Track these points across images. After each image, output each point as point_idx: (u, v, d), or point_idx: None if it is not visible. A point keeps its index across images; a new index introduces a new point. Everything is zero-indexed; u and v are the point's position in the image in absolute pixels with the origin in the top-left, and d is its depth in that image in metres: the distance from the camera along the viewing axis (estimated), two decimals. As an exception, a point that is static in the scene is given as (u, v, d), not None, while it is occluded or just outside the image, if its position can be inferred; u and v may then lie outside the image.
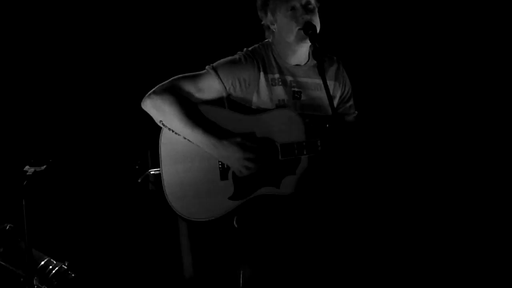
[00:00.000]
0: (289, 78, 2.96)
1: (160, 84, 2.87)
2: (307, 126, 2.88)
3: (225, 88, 2.89)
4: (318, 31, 2.86)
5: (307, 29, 2.82)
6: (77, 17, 4.29)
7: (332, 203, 2.93)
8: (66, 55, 4.28)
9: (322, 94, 2.95)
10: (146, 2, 4.37)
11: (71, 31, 4.25)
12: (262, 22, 3.02)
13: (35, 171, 3.10)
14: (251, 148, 2.82)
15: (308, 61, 3.01)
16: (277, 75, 2.94)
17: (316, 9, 2.92)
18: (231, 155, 2.81)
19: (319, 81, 2.90)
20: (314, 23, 2.84)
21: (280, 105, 2.91)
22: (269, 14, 2.96)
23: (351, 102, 3.15)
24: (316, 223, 2.88)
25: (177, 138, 2.86)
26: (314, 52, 2.84)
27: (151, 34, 4.36)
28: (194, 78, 2.89)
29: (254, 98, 2.91)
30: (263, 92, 2.91)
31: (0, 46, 4.16)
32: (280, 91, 2.93)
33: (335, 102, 3.08)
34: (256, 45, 3.01)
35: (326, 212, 2.91)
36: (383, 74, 4.20)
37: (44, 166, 3.10)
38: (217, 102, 2.94)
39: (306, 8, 2.87)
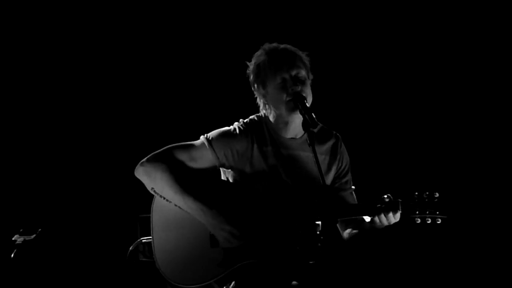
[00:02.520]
0: (282, 151, 2.97)
1: (154, 152, 2.91)
2: (298, 200, 2.88)
3: (218, 158, 2.92)
4: (309, 102, 2.89)
5: (296, 100, 2.84)
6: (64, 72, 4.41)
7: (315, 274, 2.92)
8: (53, 125, 4.38)
9: (315, 167, 2.82)
10: (142, 72, 4.50)
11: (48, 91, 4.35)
12: (255, 96, 3.05)
13: (24, 240, 3.10)
14: (238, 224, 2.83)
15: (303, 134, 3.00)
16: (270, 148, 2.96)
17: (308, 81, 2.95)
18: (217, 225, 2.82)
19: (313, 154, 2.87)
20: (304, 94, 2.87)
21: (273, 177, 2.93)
22: (260, 87, 2.98)
23: (347, 178, 3.14)
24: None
25: (169, 205, 2.88)
26: (303, 123, 2.80)
27: (147, 101, 4.45)
28: (188, 147, 2.92)
29: (247, 169, 2.94)
30: (256, 163, 2.93)
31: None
32: (273, 164, 2.94)
33: (330, 176, 3.08)
34: (252, 117, 3.05)
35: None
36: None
37: (34, 235, 3.11)
38: (211, 171, 2.97)
39: (296, 79, 2.90)
